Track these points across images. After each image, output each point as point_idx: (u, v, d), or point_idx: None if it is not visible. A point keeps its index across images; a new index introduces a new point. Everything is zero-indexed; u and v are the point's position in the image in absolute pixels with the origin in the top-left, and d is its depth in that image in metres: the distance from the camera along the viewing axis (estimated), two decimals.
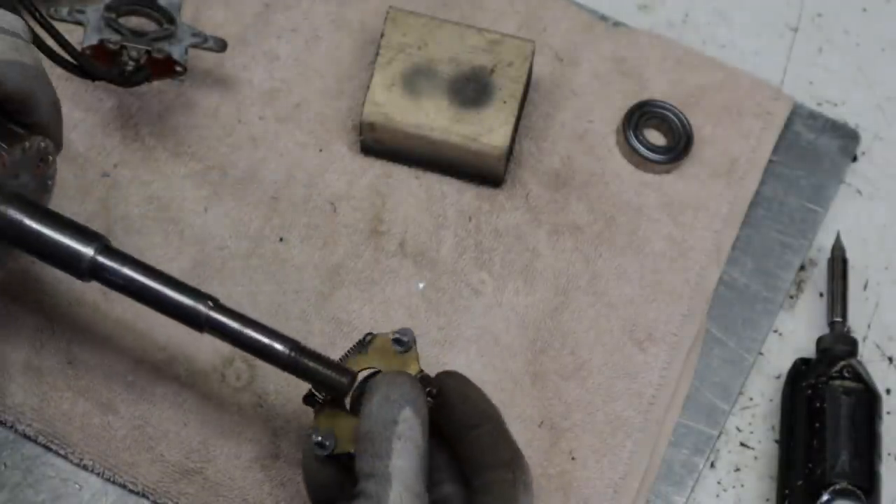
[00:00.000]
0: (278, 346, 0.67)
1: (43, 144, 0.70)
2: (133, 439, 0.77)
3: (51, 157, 0.72)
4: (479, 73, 0.82)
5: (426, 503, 0.62)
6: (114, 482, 0.77)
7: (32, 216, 0.68)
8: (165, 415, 0.77)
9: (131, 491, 0.76)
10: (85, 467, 0.77)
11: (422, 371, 0.69)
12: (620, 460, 0.78)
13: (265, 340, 0.68)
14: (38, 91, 0.69)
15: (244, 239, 0.82)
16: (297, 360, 0.67)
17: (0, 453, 0.77)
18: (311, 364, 0.68)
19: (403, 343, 0.69)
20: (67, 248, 0.68)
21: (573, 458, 0.78)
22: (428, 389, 0.67)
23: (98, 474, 0.76)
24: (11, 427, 0.77)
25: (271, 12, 0.88)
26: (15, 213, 0.68)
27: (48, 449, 0.77)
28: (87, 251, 0.68)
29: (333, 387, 0.68)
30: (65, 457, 0.77)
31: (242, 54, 0.87)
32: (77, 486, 0.76)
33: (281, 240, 0.82)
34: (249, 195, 0.83)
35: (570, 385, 0.79)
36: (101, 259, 0.68)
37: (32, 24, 0.77)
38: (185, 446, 0.76)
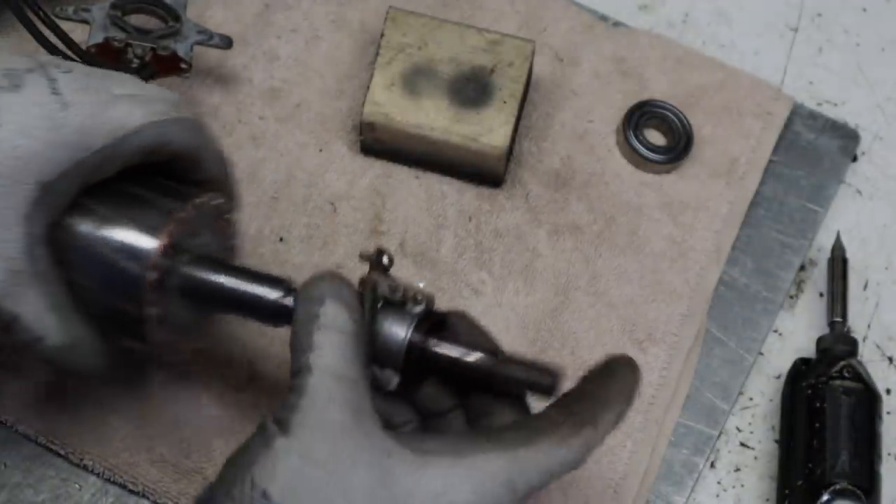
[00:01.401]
0: None
1: (217, 201, 0.69)
2: (133, 439, 0.77)
3: (228, 214, 0.70)
4: (479, 73, 0.82)
5: (361, 388, 0.59)
6: (114, 482, 0.77)
7: (227, 274, 0.67)
8: (166, 415, 0.77)
9: (131, 491, 0.76)
10: (85, 467, 0.77)
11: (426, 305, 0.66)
12: (620, 460, 0.78)
13: None
14: (203, 146, 0.68)
15: (244, 239, 0.82)
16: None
17: (0, 453, 0.77)
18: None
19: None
20: (269, 300, 0.66)
21: None
22: (433, 317, 0.65)
23: (98, 474, 0.76)
24: (11, 427, 0.77)
25: (271, 12, 0.88)
26: (209, 275, 0.67)
27: (48, 449, 0.77)
28: (288, 300, 0.66)
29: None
30: (65, 457, 0.77)
31: (242, 54, 0.87)
32: (77, 486, 0.76)
33: (281, 240, 0.82)
34: (249, 195, 0.83)
35: (570, 385, 0.79)
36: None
37: (36, 22, 0.77)
38: (185, 447, 0.76)
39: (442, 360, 0.64)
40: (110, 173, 0.65)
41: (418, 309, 0.65)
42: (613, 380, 0.63)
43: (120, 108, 0.64)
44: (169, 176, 0.68)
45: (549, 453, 0.59)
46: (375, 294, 0.64)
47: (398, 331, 0.64)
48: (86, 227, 0.65)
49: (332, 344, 0.59)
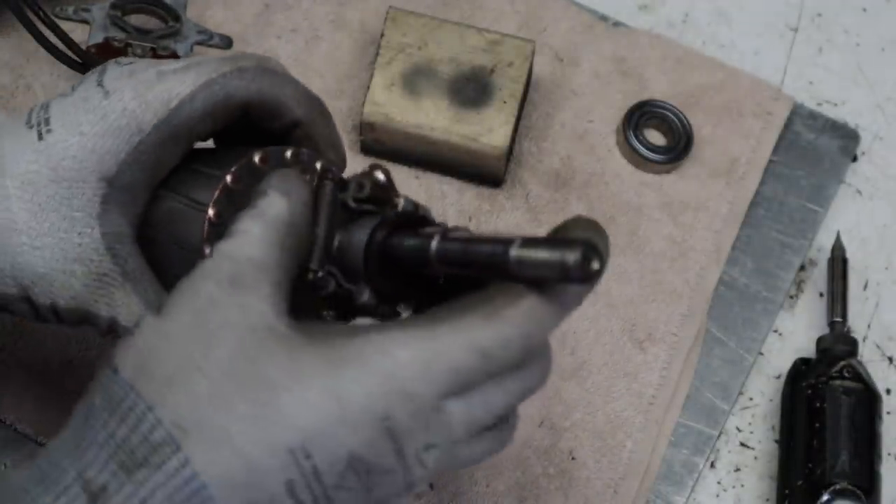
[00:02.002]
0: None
1: (289, 152, 0.61)
2: None
3: (319, 161, 0.62)
4: (479, 73, 0.82)
5: (266, 272, 0.53)
6: None
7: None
8: None
9: None
10: None
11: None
12: (620, 460, 0.78)
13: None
14: (273, 89, 0.61)
15: None
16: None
17: (0, 453, 0.77)
18: None
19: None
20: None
21: (573, 458, 0.78)
22: (408, 217, 0.59)
23: None
24: (11, 427, 0.77)
25: (271, 12, 0.88)
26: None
27: None
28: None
29: None
30: None
31: None
32: None
33: None
34: None
35: (569, 385, 0.79)
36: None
37: (36, 22, 0.77)
38: None
39: (405, 253, 0.56)
40: (179, 154, 0.61)
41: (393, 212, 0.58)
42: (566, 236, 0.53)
43: (166, 82, 0.60)
44: (269, 139, 0.62)
45: (476, 329, 0.51)
46: (336, 193, 0.59)
47: (360, 233, 0.58)
48: (157, 216, 0.62)
49: (248, 230, 0.54)
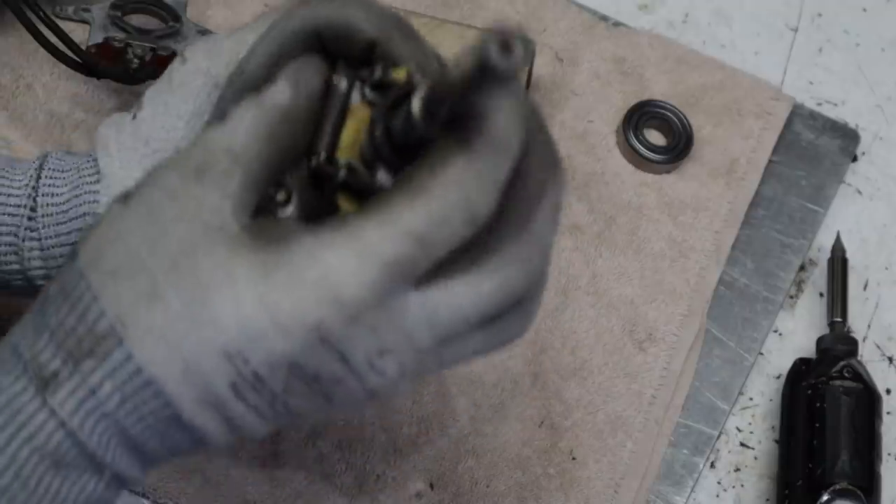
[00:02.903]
0: None
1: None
2: None
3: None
4: None
5: (242, 165, 0.50)
6: None
7: None
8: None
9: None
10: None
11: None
12: (620, 460, 0.78)
13: None
14: (337, 11, 0.54)
15: None
16: None
17: None
18: None
19: None
20: None
21: (573, 458, 0.78)
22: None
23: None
24: None
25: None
26: None
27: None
28: None
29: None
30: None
31: None
32: None
33: None
34: None
35: (570, 385, 0.79)
36: None
37: (36, 22, 0.77)
38: None
39: (397, 130, 0.50)
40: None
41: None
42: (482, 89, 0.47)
43: (234, 35, 0.60)
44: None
45: (402, 214, 0.47)
46: (352, 80, 0.53)
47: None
48: None
49: (240, 117, 0.51)
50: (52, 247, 0.64)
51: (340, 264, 0.47)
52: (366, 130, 0.52)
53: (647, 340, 0.81)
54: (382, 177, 0.50)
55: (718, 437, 0.80)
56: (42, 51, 0.79)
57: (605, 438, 0.78)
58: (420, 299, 0.48)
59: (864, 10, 0.93)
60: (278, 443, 0.77)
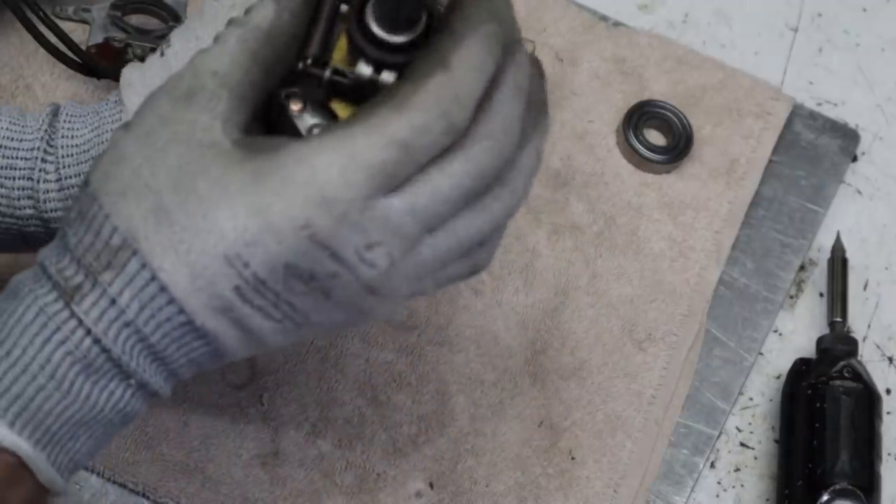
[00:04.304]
0: None
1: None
2: (133, 439, 0.76)
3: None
4: None
5: (230, 87, 0.53)
6: (114, 482, 0.76)
7: None
8: (166, 414, 0.77)
9: (131, 490, 0.76)
10: (85, 467, 0.77)
11: None
12: (620, 460, 0.78)
13: None
14: None
15: None
16: None
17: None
18: None
19: None
20: None
21: (573, 458, 0.78)
22: None
23: (98, 474, 0.76)
24: None
25: None
26: None
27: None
28: None
29: None
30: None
31: None
32: (77, 485, 0.76)
33: None
34: None
35: (569, 385, 0.79)
36: None
37: (36, 22, 0.77)
38: (186, 445, 0.76)
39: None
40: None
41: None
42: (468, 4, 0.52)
43: None
44: None
45: (387, 122, 0.50)
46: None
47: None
48: None
49: (226, 40, 0.54)
50: (73, 185, 0.65)
51: (328, 168, 0.50)
52: (345, 30, 0.55)
53: (646, 340, 0.81)
54: (365, 70, 0.53)
55: (718, 437, 0.80)
56: (42, 51, 0.79)
57: (605, 438, 0.78)
58: (402, 195, 0.51)
59: (864, 10, 0.93)
60: (278, 442, 0.77)
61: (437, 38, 0.52)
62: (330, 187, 0.50)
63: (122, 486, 0.76)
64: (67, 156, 0.65)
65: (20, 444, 0.52)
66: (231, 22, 0.55)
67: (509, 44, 0.53)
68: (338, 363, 0.79)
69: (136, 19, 0.83)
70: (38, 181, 0.66)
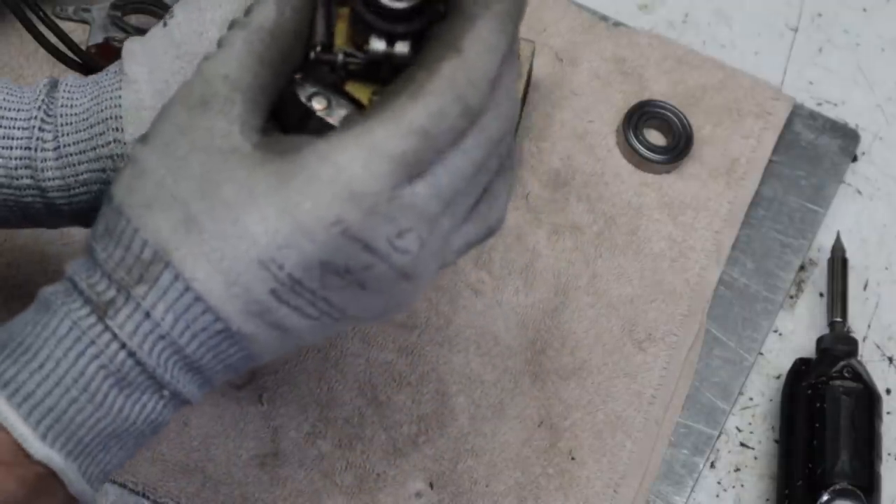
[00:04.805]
0: None
1: None
2: None
3: None
4: None
5: (242, 90, 0.53)
6: (114, 482, 0.76)
7: None
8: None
9: (131, 490, 0.76)
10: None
11: None
12: (620, 460, 0.78)
13: None
14: None
15: None
16: None
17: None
18: None
19: None
20: None
21: (573, 458, 0.78)
22: None
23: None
24: None
25: None
26: None
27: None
28: None
29: None
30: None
31: None
32: None
33: None
34: None
35: (569, 385, 0.79)
36: None
37: (36, 22, 0.77)
38: (185, 445, 0.76)
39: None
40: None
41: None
42: None
43: None
44: None
45: (405, 112, 0.51)
46: None
47: None
48: None
49: (231, 44, 0.54)
50: (71, 154, 0.64)
51: (351, 162, 0.51)
52: (348, 12, 0.55)
53: (646, 340, 0.81)
54: (378, 45, 0.54)
55: (718, 437, 0.80)
56: (42, 51, 0.79)
57: (605, 438, 0.78)
58: (426, 180, 0.52)
59: (865, 9, 0.93)
60: (278, 442, 0.77)
61: (449, 18, 0.52)
62: (356, 182, 0.51)
63: (122, 485, 0.76)
64: (66, 124, 0.65)
65: (52, 455, 0.52)
66: (234, 24, 0.55)
67: (520, 18, 0.53)
68: (338, 363, 0.79)
69: (136, 19, 0.83)
70: (36, 150, 0.65)
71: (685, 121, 0.85)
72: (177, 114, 0.53)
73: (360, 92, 0.55)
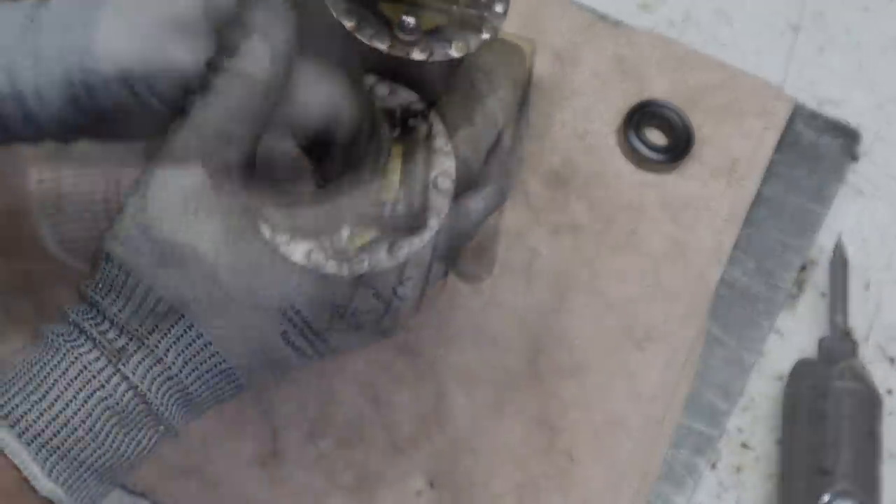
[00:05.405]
0: None
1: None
2: None
3: None
4: None
5: (236, 144, 0.54)
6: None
7: None
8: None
9: (131, 491, 0.76)
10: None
11: None
12: (619, 460, 0.77)
13: None
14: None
15: None
16: None
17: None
18: None
19: None
20: None
21: (572, 458, 0.78)
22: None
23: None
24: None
25: None
26: None
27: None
28: None
29: None
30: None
31: None
32: None
33: None
34: None
35: (568, 384, 0.79)
36: None
37: None
38: (185, 445, 0.76)
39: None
40: None
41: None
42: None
43: None
44: None
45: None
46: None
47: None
48: None
49: (225, 92, 0.54)
50: (51, 59, 0.61)
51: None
52: None
53: (646, 340, 0.81)
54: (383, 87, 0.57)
55: (719, 437, 0.80)
56: None
57: (604, 438, 0.78)
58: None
59: (866, 9, 0.93)
60: (278, 442, 0.77)
61: (465, 91, 0.58)
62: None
63: (122, 486, 0.76)
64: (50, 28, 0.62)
65: (56, 490, 0.53)
66: (219, 68, 0.54)
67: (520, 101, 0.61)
68: (337, 363, 0.79)
69: None
70: (15, 52, 0.62)
71: (686, 120, 0.85)
72: (176, 181, 0.54)
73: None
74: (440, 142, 0.57)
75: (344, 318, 0.56)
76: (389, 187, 0.56)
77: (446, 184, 0.57)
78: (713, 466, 0.80)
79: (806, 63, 0.91)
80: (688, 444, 0.80)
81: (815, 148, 0.88)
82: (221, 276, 0.53)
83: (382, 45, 0.54)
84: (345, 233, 0.55)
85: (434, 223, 0.56)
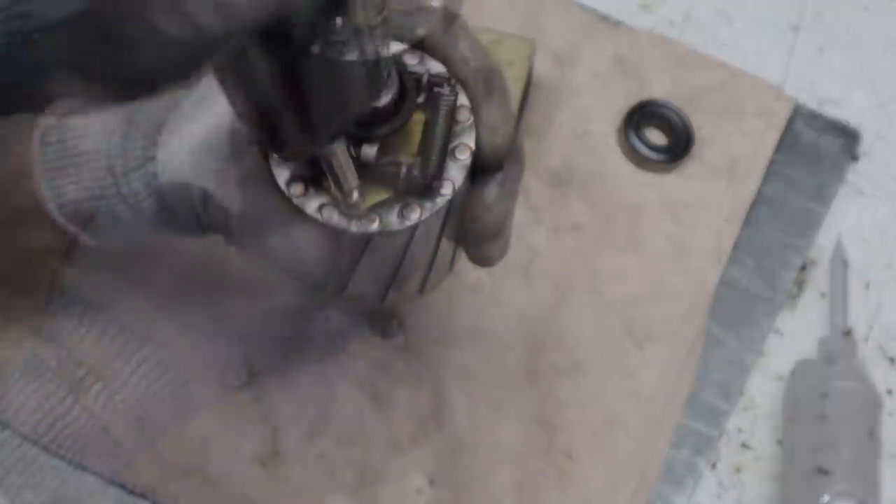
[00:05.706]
0: None
1: None
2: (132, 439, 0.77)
3: None
4: None
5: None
6: (113, 482, 0.76)
7: None
8: (164, 414, 0.77)
9: (130, 491, 0.76)
10: (84, 468, 0.77)
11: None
12: (618, 459, 0.77)
13: None
14: None
15: None
16: None
17: None
18: None
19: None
20: None
21: (571, 457, 0.78)
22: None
23: (97, 474, 0.76)
24: (11, 427, 0.77)
25: None
26: None
27: (47, 450, 0.77)
28: None
29: None
30: (63, 457, 0.77)
31: None
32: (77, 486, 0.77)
33: None
34: None
35: (567, 384, 0.79)
36: None
37: None
38: (185, 445, 0.76)
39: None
40: None
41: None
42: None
43: None
44: None
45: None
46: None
47: None
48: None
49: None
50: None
51: None
52: None
53: (646, 339, 0.81)
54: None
55: (719, 437, 0.80)
56: None
57: (603, 437, 0.78)
58: None
59: (866, 9, 0.93)
60: (278, 441, 0.77)
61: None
62: None
63: (122, 486, 0.76)
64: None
65: None
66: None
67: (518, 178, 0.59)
68: (337, 362, 0.79)
69: None
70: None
71: (686, 120, 0.85)
72: (190, 118, 0.55)
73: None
74: (463, 115, 0.56)
75: (348, 282, 0.55)
76: (407, 151, 0.55)
77: (464, 155, 0.56)
78: (713, 466, 0.80)
79: (806, 63, 0.91)
80: (688, 444, 0.80)
81: (815, 148, 0.88)
82: (232, 223, 0.53)
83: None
84: (357, 191, 0.54)
85: (447, 191, 0.55)
